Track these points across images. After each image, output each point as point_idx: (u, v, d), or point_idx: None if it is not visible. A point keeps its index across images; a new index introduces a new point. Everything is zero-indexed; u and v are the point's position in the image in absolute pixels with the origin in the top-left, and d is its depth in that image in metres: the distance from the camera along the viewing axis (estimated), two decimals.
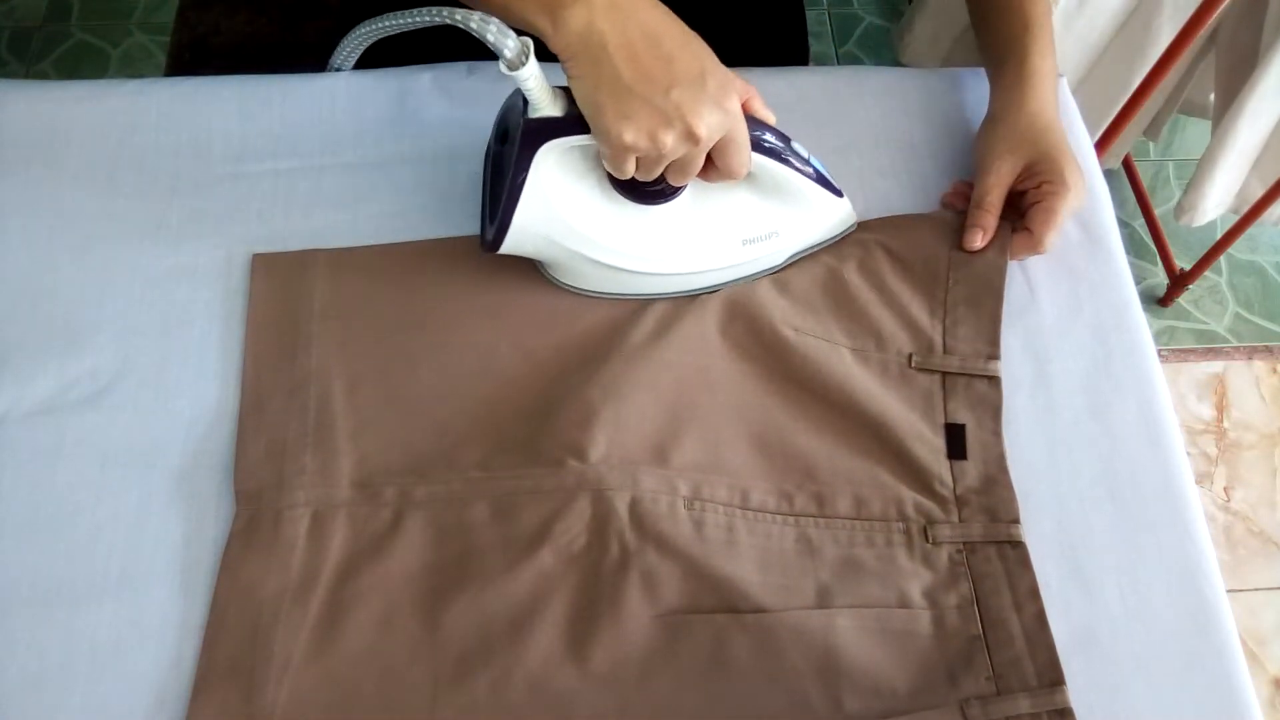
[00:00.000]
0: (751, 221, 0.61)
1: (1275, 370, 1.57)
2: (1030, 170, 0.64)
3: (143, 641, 0.52)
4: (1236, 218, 1.41)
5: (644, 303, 0.62)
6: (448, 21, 0.53)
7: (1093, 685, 0.53)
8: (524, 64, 0.51)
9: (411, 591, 0.53)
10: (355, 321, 0.61)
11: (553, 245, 0.58)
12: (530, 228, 0.57)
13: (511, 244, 0.58)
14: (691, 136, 0.51)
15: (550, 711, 0.50)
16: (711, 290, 0.62)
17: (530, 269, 0.63)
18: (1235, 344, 1.60)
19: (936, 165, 0.69)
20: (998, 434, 0.59)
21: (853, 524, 0.56)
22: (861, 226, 0.66)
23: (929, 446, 0.59)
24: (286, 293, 0.61)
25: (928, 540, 0.56)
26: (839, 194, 0.63)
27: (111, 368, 0.58)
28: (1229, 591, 0.56)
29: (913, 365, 0.61)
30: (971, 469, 0.58)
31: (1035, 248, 0.64)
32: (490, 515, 0.55)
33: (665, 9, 0.52)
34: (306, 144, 0.67)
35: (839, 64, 1.82)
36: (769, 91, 0.71)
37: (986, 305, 0.63)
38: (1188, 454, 0.60)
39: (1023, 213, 0.65)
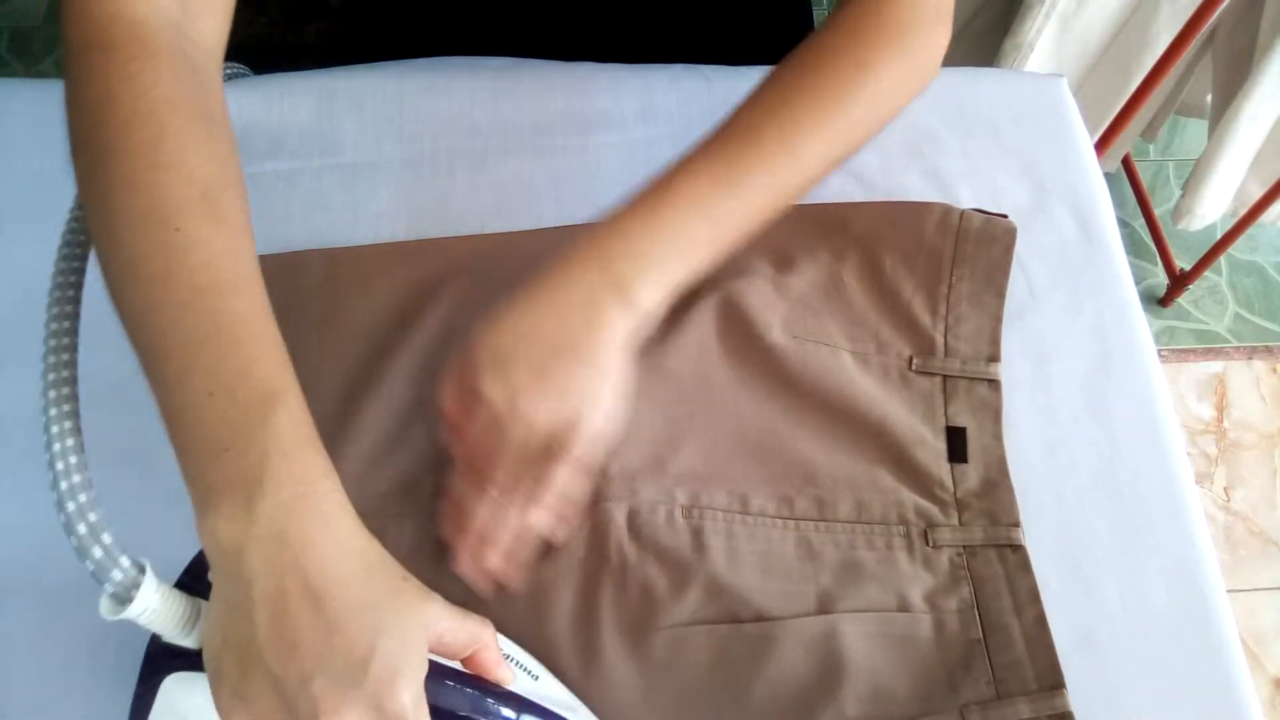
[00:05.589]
0: None
1: (1275, 370, 1.57)
2: None
3: (143, 642, 0.52)
4: (1236, 218, 1.42)
5: None
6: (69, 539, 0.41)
7: (1093, 685, 0.53)
8: (131, 599, 0.39)
9: None
10: (351, 324, 0.60)
11: None
12: None
13: None
14: None
15: None
16: None
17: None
18: (1235, 344, 1.60)
19: (937, 163, 0.69)
20: (998, 437, 0.59)
21: (853, 527, 0.56)
22: (863, 214, 0.65)
23: (930, 450, 0.58)
24: (284, 294, 0.61)
25: (928, 544, 0.56)
26: None
27: (112, 368, 0.58)
28: (1229, 591, 0.56)
29: (913, 368, 0.61)
30: (972, 472, 0.58)
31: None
32: None
33: (364, 542, 0.40)
34: (306, 144, 0.67)
35: None
36: None
37: (989, 304, 0.63)
38: (1188, 454, 0.60)
39: None
